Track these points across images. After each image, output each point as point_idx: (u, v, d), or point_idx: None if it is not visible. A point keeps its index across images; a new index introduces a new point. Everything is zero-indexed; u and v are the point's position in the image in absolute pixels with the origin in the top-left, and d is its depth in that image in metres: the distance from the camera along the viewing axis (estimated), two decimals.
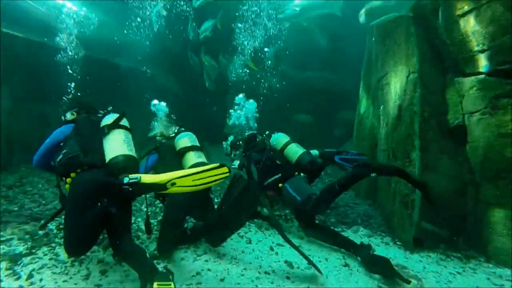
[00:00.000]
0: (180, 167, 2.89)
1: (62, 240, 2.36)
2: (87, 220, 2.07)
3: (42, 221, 2.85)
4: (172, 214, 2.91)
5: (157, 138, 3.49)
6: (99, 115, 2.68)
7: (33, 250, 2.75)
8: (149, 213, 3.78)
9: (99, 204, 2.13)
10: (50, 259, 2.60)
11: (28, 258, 2.61)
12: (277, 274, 2.53)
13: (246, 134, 4.46)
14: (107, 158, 2.27)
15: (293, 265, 2.68)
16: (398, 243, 3.35)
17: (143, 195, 2.44)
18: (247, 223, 3.63)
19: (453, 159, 3.37)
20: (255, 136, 4.29)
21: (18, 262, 2.54)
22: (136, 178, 2.06)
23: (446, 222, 3.26)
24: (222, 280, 2.39)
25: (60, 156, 2.36)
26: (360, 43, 6.17)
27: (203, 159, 2.94)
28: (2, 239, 3.01)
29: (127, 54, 8.04)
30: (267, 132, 4.19)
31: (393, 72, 4.02)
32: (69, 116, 2.77)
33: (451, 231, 3.29)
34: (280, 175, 3.52)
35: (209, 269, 2.53)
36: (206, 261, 2.70)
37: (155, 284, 1.88)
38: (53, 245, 2.86)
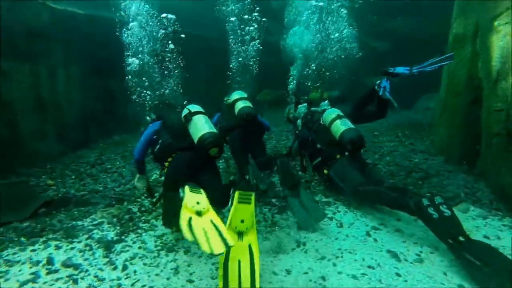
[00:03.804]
0: (234, 113, 3.91)
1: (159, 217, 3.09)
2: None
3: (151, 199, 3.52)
4: (233, 144, 3.97)
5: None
6: (178, 109, 3.27)
7: (122, 237, 2.79)
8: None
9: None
10: (139, 247, 2.58)
11: (120, 245, 2.64)
12: (384, 269, 2.14)
13: (306, 110, 4.40)
14: (196, 138, 2.80)
15: (399, 256, 2.29)
16: None
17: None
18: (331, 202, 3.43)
19: None
20: (314, 113, 4.08)
21: (112, 250, 2.58)
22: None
23: None
24: (323, 278, 2.07)
25: (158, 146, 3.06)
26: None
27: (248, 104, 3.88)
28: (94, 222, 3.14)
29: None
30: (324, 107, 3.96)
31: None
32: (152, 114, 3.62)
33: None
34: (320, 159, 3.59)
35: (299, 262, 2.27)
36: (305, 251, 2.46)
37: (236, 193, 2.47)
38: (139, 231, 2.87)
